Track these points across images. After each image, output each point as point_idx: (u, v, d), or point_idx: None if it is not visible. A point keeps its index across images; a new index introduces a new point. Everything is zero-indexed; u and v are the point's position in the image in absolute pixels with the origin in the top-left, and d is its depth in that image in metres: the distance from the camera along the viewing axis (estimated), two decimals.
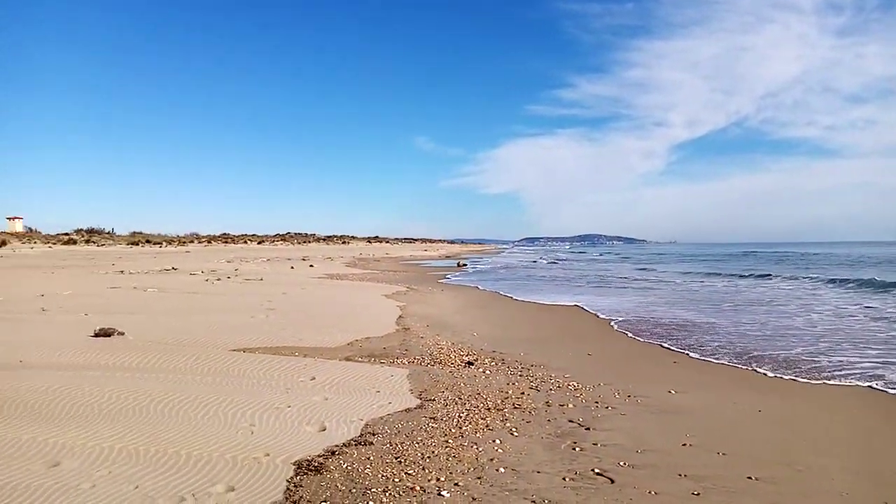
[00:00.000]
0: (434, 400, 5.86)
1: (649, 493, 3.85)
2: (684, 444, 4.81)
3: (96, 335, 7.98)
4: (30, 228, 59.80)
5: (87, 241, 53.72)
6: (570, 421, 5.38)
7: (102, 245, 52.43)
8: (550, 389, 6.47)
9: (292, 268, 28.67)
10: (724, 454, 4.59)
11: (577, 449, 4.67)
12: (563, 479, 4.07)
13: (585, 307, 14.73)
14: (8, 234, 53.17)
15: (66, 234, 57.65)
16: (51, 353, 7.12)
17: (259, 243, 71.39)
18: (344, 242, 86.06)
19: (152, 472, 3.90)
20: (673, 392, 6.47)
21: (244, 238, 74.38)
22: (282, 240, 78.13)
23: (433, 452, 4.47)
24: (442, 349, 8.45)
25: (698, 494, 3.85)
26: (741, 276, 28.32)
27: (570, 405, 5.88)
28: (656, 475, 4.16)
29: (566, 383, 6.76)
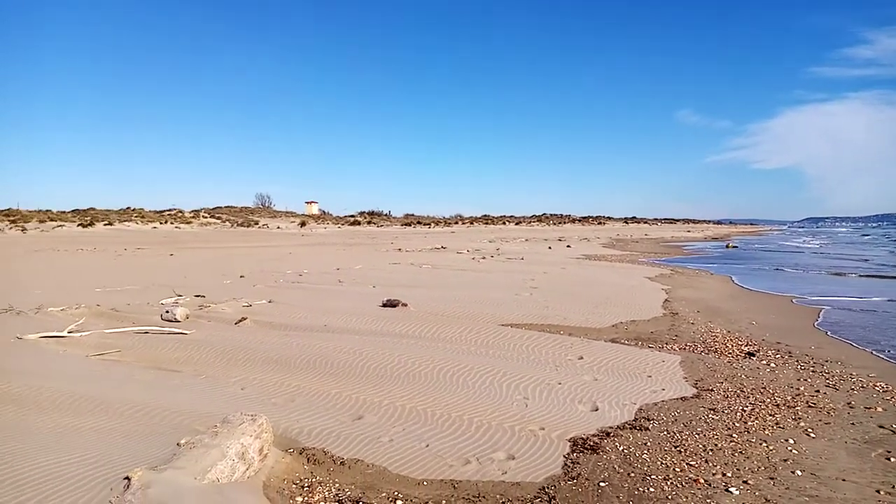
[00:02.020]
0: (712, 390, 5.47)
1: None
2: None
3: (384, 305, 8.87)
4: (323, 211, 68.60)
5: (369, 223, 60.10)
6: (881, 426, 4.64)
7: (381, 226, 58.27)
8: (852, 389, 5.65)
9: (550, 248, 29.01)
10: None
11: (893, 459, 4.01)
12: (878, 491, 3.52)
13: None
14: (306, 216, 61.64)
15: (352, 215, 65.12)
16: (348, 319, 8.08)
17: (517, 224, 73.58)
18: (599, 223, 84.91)
19: (439, 433, 4.20)
20: None
21: (503, 219, 77.20)
22: (538, 220, 79.62)
23: (716, 445, 4.17)
24: (717, 337, 7.87)
25: None
26: None
27: (879, 408, 5.07)
28: None
29: (872, 384, 5.85)
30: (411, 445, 3.97)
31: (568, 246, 31.26)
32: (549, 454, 3.91)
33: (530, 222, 77.23)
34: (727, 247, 36.84)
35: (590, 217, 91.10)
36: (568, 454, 3.93)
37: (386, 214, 69.91)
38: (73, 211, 50.05)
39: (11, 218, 43.91)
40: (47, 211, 48.44)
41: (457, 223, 68.56)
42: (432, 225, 63.58)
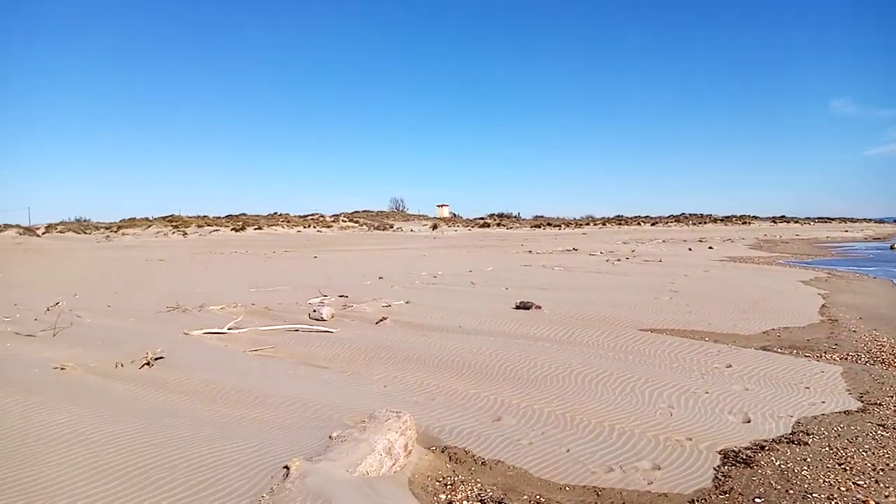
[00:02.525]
0: (880, 404, 4.98)
1: None
2: None
3: (517, 307, 8.88)
4: (454, 214, 69.77)
5: (498, 225, 60.41)
6: None
7: (510, 228, 58.38)
8: None
9: (690, 249, 27.70)
10: None
11: None
12: None
13: None
14: (438, 218, 62.97)
15: (482, 218, 65.75)
16: (483, 320, 8.17)
17: (652, 224, 70.92)
18: (744, 223, 79.79)
19: (579, 438, 4.14)
20: None
21: (637, 220, 74.72)
22: (675, 221, 76.21)
23: (887, 465, 3.79)
24: (883, 346, 7.16)
25: None
26: None
27: None
28: None
29: None
30: (551, 450, 3.94)
31: (710, 247, 29.69)
32: (697, 466, 3.74)
33: (667, 223, 74.10)
34: (892, 248, 33.40)
35: (733, 217, 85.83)
36: (718, 467, 3.73)
37: (515, 216, 69.93)
38: (226, 216, 54.33)
39: (174, 223, 48.35)
40: (204, 216, 52.88)
41: (588, 224, 67.24)
42: (562, 226, 62.78)
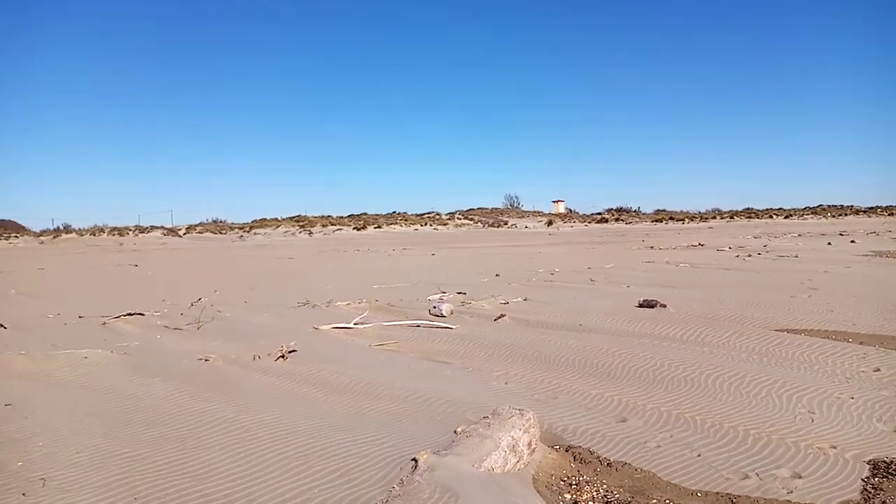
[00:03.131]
0: None
1: None
2: None
3: (640, 305, 8.62)
4: (570, 209, 68.58)
5: (617, 220, 58.76)
6: None
7: (630, 223, 56.60)
8: None
9: (829, 244, 25.68)
10: None
11: None
12: None
13: None
14: (553, 214, 62.21)
15: (599, 213, 64.21)
16: (604, 318, 8.00)
17: (786, 217, 66.29)
18: (890, 214, 72.94)
19: (711, 443, 3.96)
20: None
21: (769, 212, 70.12)
22: (812, 213, 70.80)
23: None
24: None
25: None
26: None
27: None
28: None
29: None
30: (680, 453, 3.80)
31: (852, 241, 27.38)
32: (843, 476, 3.48)
33: (802, 215, 68.97)
34: None
35: (877, 208, 78.69)
36: (867, 478, 3.45)
37: (635, 211, 67.67)
38: (348, 216, 56.48)
39: (300, 223, 50.88)
40: (328, 216, 55.25)
41: (714, 218, 63.85)
42: (686, 221, 60.06)
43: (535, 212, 64.12)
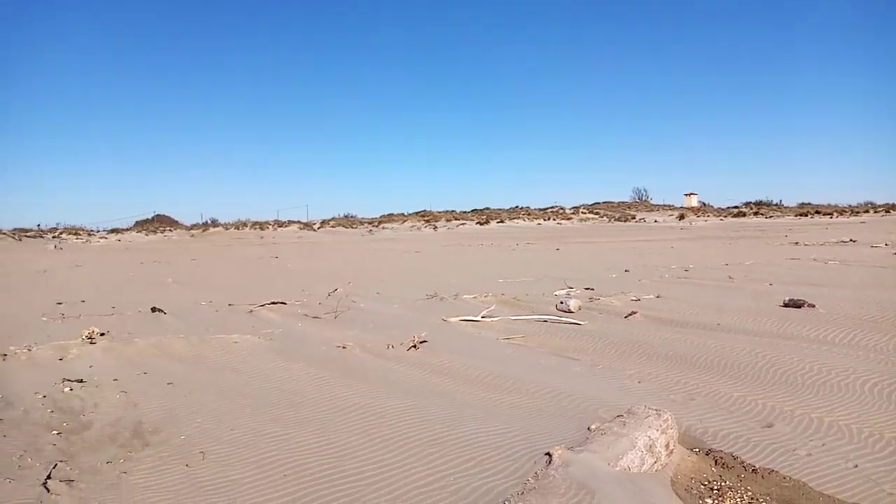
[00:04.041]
0: None
1: None
2: None
3: (785, 305, 8.06)
4: (703, 203, 65.24)
5: (756, 214, 55.23)
6: None
7: (770, 217, 53.02)
8: None
9: None
10: None
11: None
12: None
13: None
14: (685, 208, 59.47)
15: (736, 206, 60.62)
16: (744, 318, 7.55)
17: None
18: None
19: (869, 454, 3.64)
20: None
21: None
22: None
23: None
24: None
25: None
26: None
27: None
28: None
29: None
30: (835, 463, 3.52)
31: None
32: None
33: None
34: None
35: None
36: None
37: (776, 204, 63.28)
38: (472, 210, 57.05)
39: (426, 218, 52.04)
40: (452, 211, 56.07)
41: (866, 212, 58.36)
42: (834, 214, 55.40)
43: (665, 205, 61.62)
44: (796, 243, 22.32)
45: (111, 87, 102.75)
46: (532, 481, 2.99)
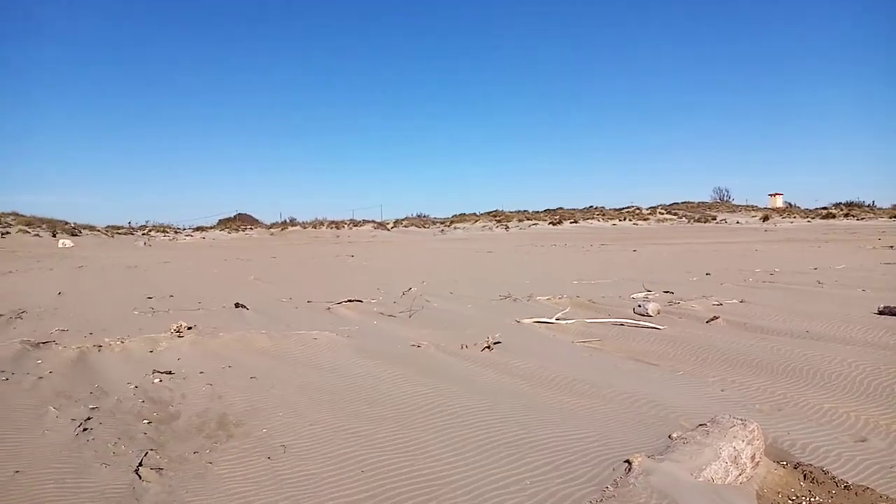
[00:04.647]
0: None
1: None
2: None
3: (881, 312, 7.61)
4: (789, 203, 62.34)
5: (846, 215, 52.32)
6: None
7: (862, 219, 50.12)
8: None
9: None
10: None
11: None
12: None
13: None
14: (769, 209, 57.02)
15: (825, 207, 57.63)
16: (835, 325, 7.17)
17: None
18: None
19: None
20: None
21: None
22: None
23: None
24: None
25: None
26: None
27: None
28: None
29: None
30: None
31: None
32: None
33: None
34: None
35: None
36: None
37: (868, 206, 59.74)
38: (544, 210, 56.46)
39: (497, 218, 51.92)
40: (524, 211, 55.68)
41: None
42: None
43: (747, 206, 59.25)
44: (891, 247, 21.01)
45: (197, 95, 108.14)
46: (611, 489, 2.94)
